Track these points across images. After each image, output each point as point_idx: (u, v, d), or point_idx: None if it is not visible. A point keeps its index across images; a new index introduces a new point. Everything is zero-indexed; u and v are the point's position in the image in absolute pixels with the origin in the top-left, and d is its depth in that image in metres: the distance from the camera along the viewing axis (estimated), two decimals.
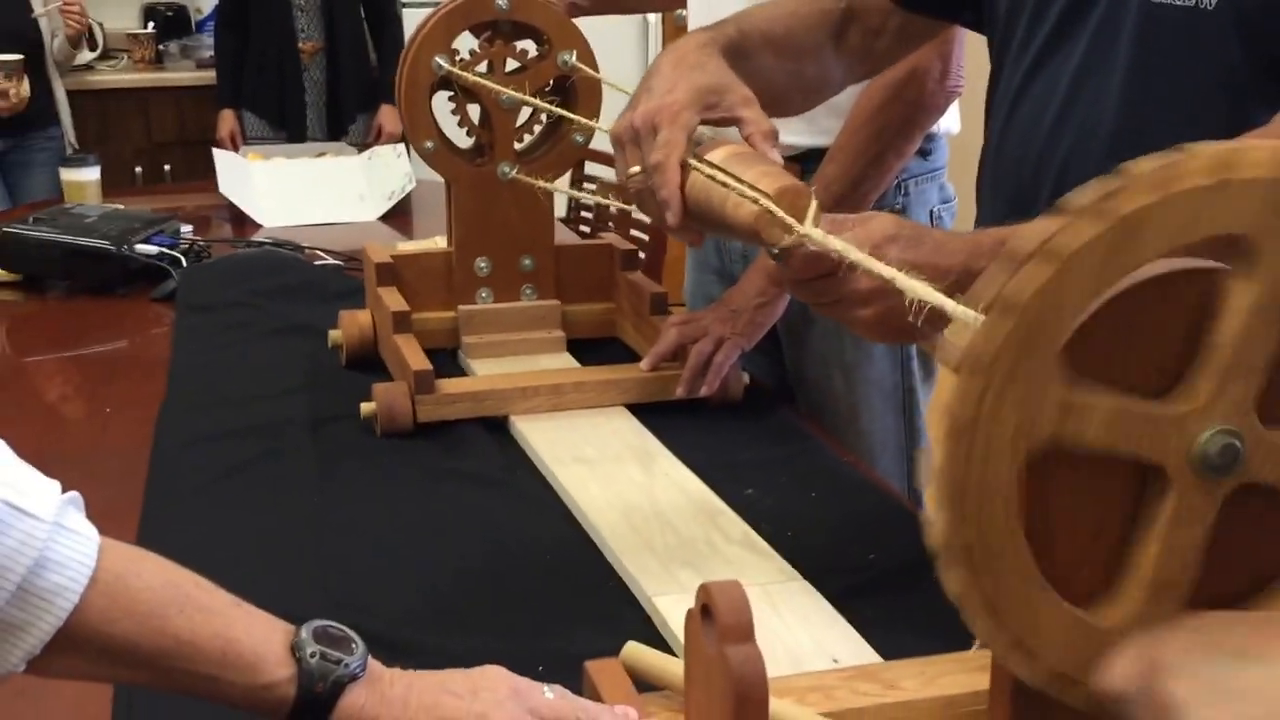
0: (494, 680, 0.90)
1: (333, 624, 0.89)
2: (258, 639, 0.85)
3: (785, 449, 1.59)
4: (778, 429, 1.66)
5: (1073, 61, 1.17)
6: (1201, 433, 0.66)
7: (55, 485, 0.84)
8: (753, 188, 1.06)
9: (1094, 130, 1.15)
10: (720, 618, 0.81)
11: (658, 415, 1.65)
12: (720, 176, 1.09)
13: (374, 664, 0.89)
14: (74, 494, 0.86)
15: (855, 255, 0.88)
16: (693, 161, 1.14)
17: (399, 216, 2.96)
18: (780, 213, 1.02)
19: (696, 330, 1.71)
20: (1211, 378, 0.66)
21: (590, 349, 1.88)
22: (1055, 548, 0.68)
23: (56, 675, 0.84)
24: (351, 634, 0.89)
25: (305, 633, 0.87)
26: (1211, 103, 1.07)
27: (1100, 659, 0.67)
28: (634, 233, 3.17)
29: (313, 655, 0.85)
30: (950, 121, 1.90)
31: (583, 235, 3.08)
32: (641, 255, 2.83)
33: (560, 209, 3.62)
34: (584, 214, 3.55)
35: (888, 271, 0.81)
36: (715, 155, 1.14)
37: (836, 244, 0.92)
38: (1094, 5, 1.15)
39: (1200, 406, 0.66)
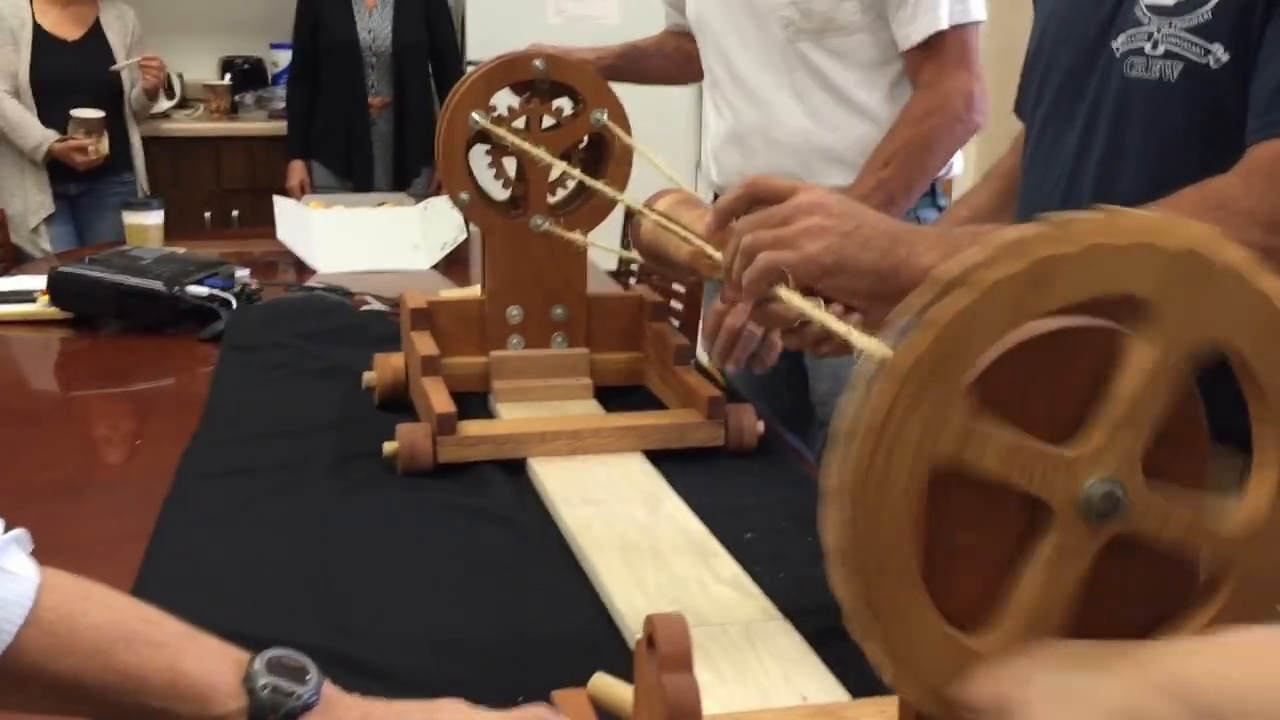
0: (451, 713, 0.92)
1: (288, 653, 0.90)
2: (209, 670, 0.87)
3: (791, 495, 1.62)
4: (786, 475, 1.70)
5: (1072, 135, 1.25)
6: (1088, 478, 0.70)
7: None
8: (689, 230, 1.19)
9: (1079, 197, 1.23)
10: (660, 647, 0.84)
11: (673, 461, 1.69)
12: (664, 223, 1.23)
13: (330, 691, 0.91)
14: (18, 532, 0.86)
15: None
16: (644, 210, 1.28)
17: (456, 266, 3.03)
18: (711, 251, 1.14)
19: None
20: (1104, 428, 0.70)
21: (617, 397, 1.92)
22: (943, 564, 0.71)
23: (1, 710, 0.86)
24: (307, 661, 0.90)
25: (259, 663, 0.88)
26: (1179, 169, 1.12)
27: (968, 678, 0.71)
28: (675, 286, 3.21)
29: (264, 687, 0.87)
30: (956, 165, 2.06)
31: (628, 288, 3.13)
32: (679, 306, 2.89)
33: (612, 262, 3.67)
34: (631, 266, 3.60)
35: (797, 301, 0.90)
36: (661, 204, 1.28)
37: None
38: (1088, 82, 1.23)
39: (1090, 453, 0.70)
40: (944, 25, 1.93)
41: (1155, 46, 1.15)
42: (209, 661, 0.88)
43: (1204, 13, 1.12)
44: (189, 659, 0.87)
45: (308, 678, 0.89)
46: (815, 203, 1.11)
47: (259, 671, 0.88)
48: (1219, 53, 1.11)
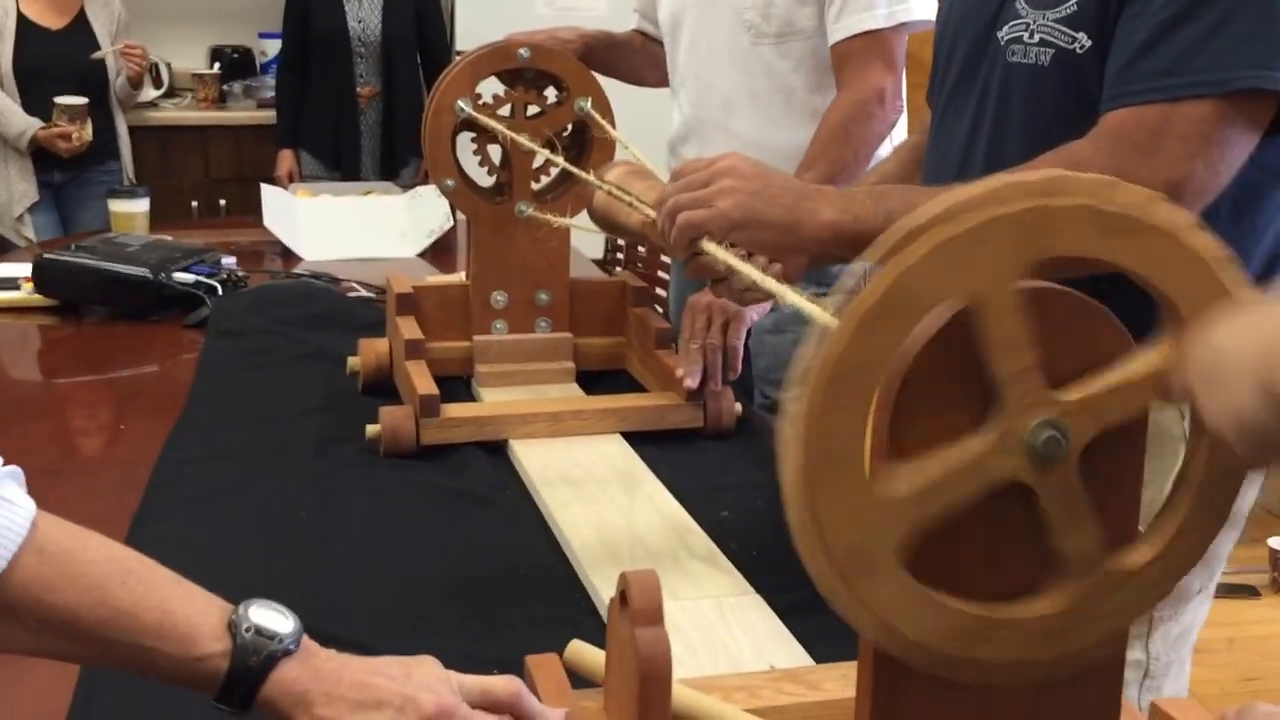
0: (426, 667, 0.95)
1: (270, 602, 0.93)
2: (194, 612, 0.90)
3: (766, 475, 1.62)
4: (764, 456, 1.71)
5: (966, 116, 1.39)
6: (1027, 429, 0.71)
7: None
8: (639, 200, 1.33)
9: (973, 172, 1.35)
10: (633, 602, 0.87)
11: (651, 443, 1.72)
12: (616, 192, 1.39)
13: (309, 642, 0.94)
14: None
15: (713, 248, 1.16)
16: (596, 180, 1.42)
17: (444, 254, 3.02)
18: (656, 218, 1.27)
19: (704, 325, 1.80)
20: (1010, 387, 0.71)
21: (599, 381, 1.95)
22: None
23: None
24: (287, 612, 0.93)
25: (243, 609, 0.91)
26: (1056, 145, 1.23)
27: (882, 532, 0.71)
28: (661, 274, 3.23)
29: (248, 630, 0.90)
30: None
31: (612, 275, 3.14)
32: (662, 293, 2.91)
33: (598, 250, 3.68)
34: (618, 255, 3.62)
35: (719, 253, 1.06)
36: (613, 174, 1.43)
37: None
38: (979, 69, 1.37)
39: (1014, 421, 0.71)
40: (876, 25, 2.02)
41: (1032, 35, 1.31)
42: (195, 604, 0.91)
43: (1070, 5, 1.27)
44: (178, 600, 0.90)
45: (289, 625, 0.92)
46: (729, 167, 1.25)
47: (243, 617, 0.91)
48: (1083, 40, 1.26)
